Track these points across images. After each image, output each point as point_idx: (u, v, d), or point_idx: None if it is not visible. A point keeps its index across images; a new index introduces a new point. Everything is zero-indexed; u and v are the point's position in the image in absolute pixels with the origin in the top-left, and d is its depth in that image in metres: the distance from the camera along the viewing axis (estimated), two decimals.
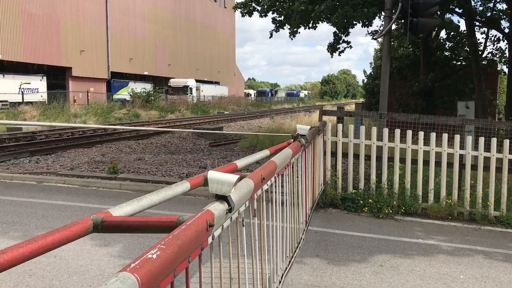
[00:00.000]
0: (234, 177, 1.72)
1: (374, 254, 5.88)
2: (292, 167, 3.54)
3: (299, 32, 16.04)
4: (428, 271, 5.39)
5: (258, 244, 2.53)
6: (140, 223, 1.52)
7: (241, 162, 2.81)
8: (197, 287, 1.67)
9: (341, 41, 16.80)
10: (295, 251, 3.65)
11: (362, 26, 14.89)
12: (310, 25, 14.87)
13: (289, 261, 3.41)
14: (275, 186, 2.91)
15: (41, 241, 1.27)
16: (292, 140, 3.87)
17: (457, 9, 15.31)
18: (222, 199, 1.68)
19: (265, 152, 3.46)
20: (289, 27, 15.64)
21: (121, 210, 1.62)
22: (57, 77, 39.87)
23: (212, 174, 1.73)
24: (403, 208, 7.76)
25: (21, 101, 32.08)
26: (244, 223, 2.17)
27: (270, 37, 17.09)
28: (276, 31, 16.22)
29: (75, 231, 1.40)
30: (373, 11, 12.78)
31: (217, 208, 1.59)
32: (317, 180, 5.55)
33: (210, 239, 1.59)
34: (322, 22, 14.96)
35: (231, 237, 2.04)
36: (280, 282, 3.04)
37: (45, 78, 36.31)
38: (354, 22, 14.30)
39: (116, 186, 9.37)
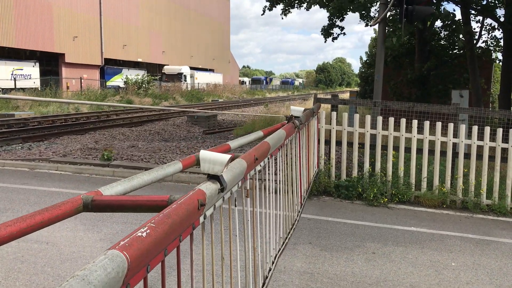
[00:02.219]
0: (226, 157, 1.70)
1: (367, 242, 5.90)
2: (286, 148, 3.52)
3: (291, 12, 15.95)
4: (420, 258, 5.42)
5: (251, 225, 2.51)
6: (131, 202, 1.50)
7: (234, 143, 2.79)
8: (188, 266, 1.66)
9: (334, 27, 16.77)
10: (289, 232, 3.63)
11: (360, 18, 14.84)
12: (305, 6, 14.78)
13: (283, 242, 3.40)
14: (269, 167, 2.89)
15: (29, 220, 1.24)
16: (286, 121, 3.85)
17: None
18: (214, 179, 1.66)
19: (259, 133, 3.44)
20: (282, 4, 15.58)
21: (111, 190, 1.60)
22: (50, 64, 39.47)
23: (204, 153, 1.70)
24: (398, 196, 7.78)
25: (14, 87, 31.77)
26: (236, 203, 2.16)
27: (262, 14, 16.87)
28: (270, 10, 16.11)
29: (64, 210, 1.38)
30: (369, 0, 12.67)
31: (209, 187, 1.57)
32: (311, 163, 5.54)
33: (201, 219, 1.58)
34: (319, 8, 14.94)
35: (223, 217, 2.02)
36: (273, 263, 3.03)
37: (37, 64, 35.93)
38: (349, 11, 14.24)
39: (109, 173, 9.33)
